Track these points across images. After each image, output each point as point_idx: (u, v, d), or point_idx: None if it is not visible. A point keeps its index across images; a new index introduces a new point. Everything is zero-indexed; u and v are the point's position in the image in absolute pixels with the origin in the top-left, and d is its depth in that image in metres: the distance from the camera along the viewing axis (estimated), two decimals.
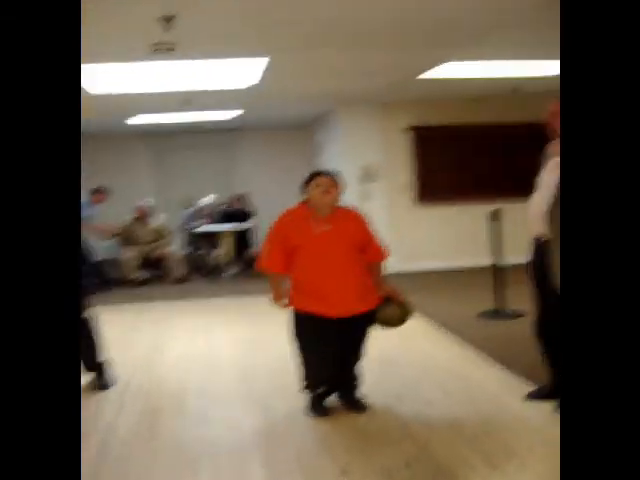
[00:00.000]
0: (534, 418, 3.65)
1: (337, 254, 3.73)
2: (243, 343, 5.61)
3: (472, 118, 8.77)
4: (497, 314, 6.12)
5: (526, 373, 4.33)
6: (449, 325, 5.80)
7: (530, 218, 3.76)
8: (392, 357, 4.86)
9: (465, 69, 6.37)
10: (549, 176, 3.58)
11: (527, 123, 8.80)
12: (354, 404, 3.92)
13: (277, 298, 3.83)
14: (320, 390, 3.91)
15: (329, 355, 3.82)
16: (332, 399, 3.95)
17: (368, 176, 8.74)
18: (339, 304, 3.73)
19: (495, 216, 6.02)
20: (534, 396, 3.94)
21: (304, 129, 10.96)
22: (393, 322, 3.84)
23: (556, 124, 3.54)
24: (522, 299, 6.44)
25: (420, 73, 6.53)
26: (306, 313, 3.75)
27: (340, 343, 3.80)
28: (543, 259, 3.55)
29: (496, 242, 6.12)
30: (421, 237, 8.90)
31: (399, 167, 8.80)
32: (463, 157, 8.80)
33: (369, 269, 3.84)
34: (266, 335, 5.71)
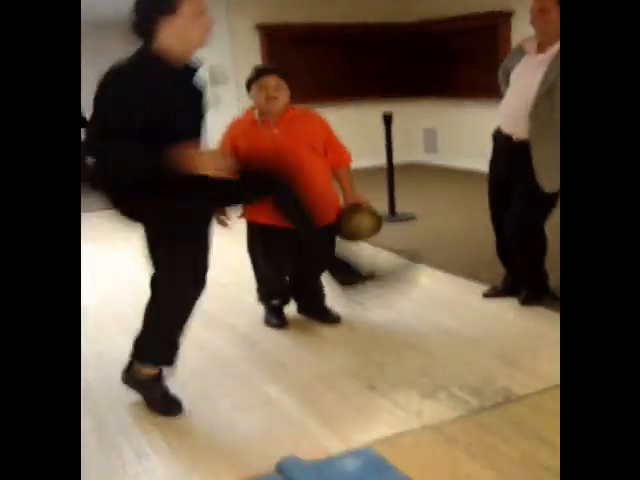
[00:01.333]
0: (505, 311, 3.82)
1: (303, 159, 3.40)
2: None
3: (328, 17, 8.53)
4: (392, 216, 6.15)
5: (456, 270, 4.46)
6: None
7: (506, 118, 3.71)
8: None
9: None
10: (528, 75, 3.54)
11: (388, 24, 8.82)
12: (324, 315, 3.79)
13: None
14: (275, 302, 3.77)
15: (283, 267, 3.64)
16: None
17: (215, 78, 8.22)
18: None
19: (387, 119, 5.96)
20: (491, 295, 4.03)
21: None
22: (365, 232, 3.54)
23: (539, 20, 3.49)
24: (412, 201, 6.65)
25: None
26: (259, 224, 3.50)
27: (298, 255, 3.57)
28: (519, 159, 3.54)
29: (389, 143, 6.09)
30: None
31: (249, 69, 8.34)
32: (317, 60, 8.57)
33: (335, 176, 3.59)
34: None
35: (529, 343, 3.40)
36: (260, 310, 3.84)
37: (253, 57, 8.38)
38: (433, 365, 3.17)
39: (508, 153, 3.66)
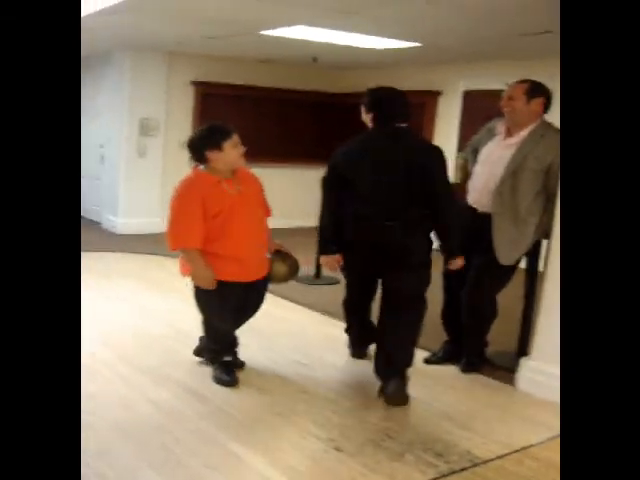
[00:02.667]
0: (447, 377, 3.96)
1: (251, 216, 3.59)
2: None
3: (260, 81, 8.70)
4: (317, 279, 6.23)
5: None
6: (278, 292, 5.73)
7: (474, 191, 3.92)
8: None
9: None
10: (497, 154, 3.79)
11: (317, 92, 9.07)
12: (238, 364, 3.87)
13: (207, 275, 3.49)
14: (228, 358, 3.79)
15: (238, 320, 3.70)
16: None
17: (146, 129, 8.19)
18: (256, 266, 3.64)
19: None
20: (432, 361, 4.16)
21: None
22: (285, 277, 3.78)
23: (508, 107, 3.76)
24: None
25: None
26: (219, 281, 3.52)
27: (245, 306, 3.72)
28: (480, 230, 3.75)
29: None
30: None
31: (181, 123, 8.37)
32: (247, 118, 8.68)
33: None
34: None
35: (476, 408, 3.52)
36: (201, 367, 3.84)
37: (185, 112, 8.43)
38: (393, 428, 3.23)
39: (471, 224, 3.84)
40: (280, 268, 3.74)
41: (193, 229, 3.40)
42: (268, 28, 5.97)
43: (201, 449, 2.94)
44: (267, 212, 3.75)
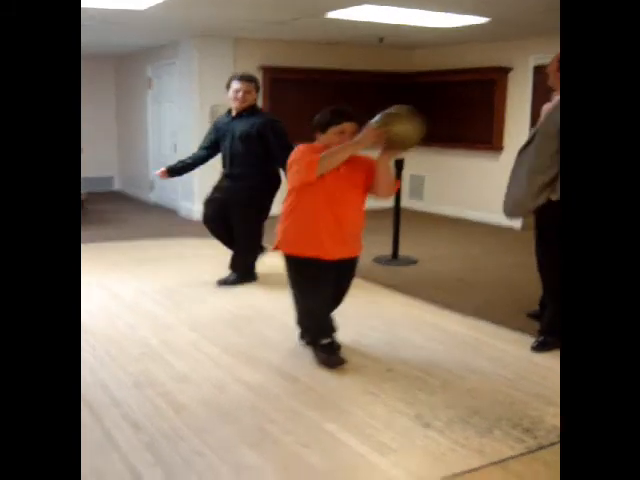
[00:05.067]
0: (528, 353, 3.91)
1: (349, 196, 3.61)
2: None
3: (327, 63, 8.75)
4: (394, 259, 6.28)
5: (469, 312, 4.64)
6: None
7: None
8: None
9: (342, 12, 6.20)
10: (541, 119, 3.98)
11: (385, 72, 9.05)
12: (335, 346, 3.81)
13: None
14: (326, 340, 3.77)
15: (330, 301, 3.76)
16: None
17: (217, 116, 8.32)
18: (344, 245, 3.64)
19: (398, 164, 6.12)
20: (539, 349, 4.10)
21: (127, 59, 10.18)
22: (411, 138, 3.50)
23: (555, 79, 3.83)
24: (413, 245, 6.79)
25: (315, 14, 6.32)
26: (302, 257, 3.59)
27: (337, 286, 3.75)
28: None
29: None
30: None
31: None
32: (316, 102, 8.74)
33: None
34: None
35: (555, 379, 3.53)
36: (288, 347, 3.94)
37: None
38: (479, 404, 3.28)
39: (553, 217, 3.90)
40: (405, 128, 3.45)
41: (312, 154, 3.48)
42: (333, 9, 6.01)
43: (295, 428, 3.04)
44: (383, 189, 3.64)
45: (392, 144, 3.47)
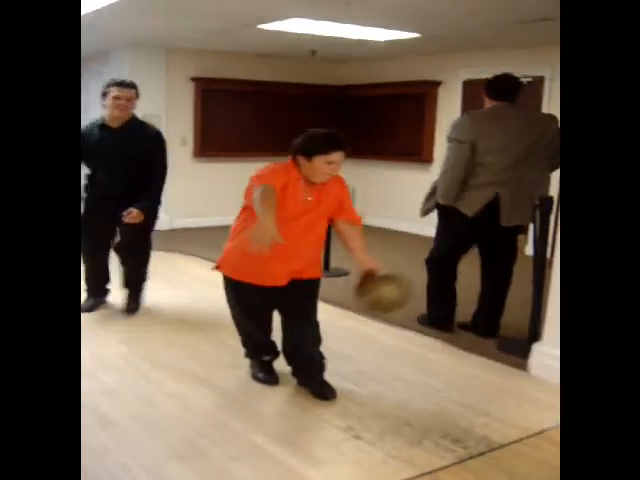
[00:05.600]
0: (455, 362, 3.94)
1: (311, 225, 3.30)
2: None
3: (259, 75, 8.73)
4: (325, 271, 6.27)
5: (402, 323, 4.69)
6: None
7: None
8: None
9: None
10: None
11: (318, 85, 9.07)
12: (321, 389, 3.51)
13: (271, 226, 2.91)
14: (266, 358, 3.70)
15: (264, 325, 3.61)
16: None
17: None
18: (293, 272, 3.35)
19: None
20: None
21: None
22: (392, 305, 3.26)
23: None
24: (344, 256, 6.77)
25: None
26: (236, 280, 3.39)
27: (293, 307, 3.48)
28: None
29: None
30: (200, 193, 8.71)
31: (181, 119, 8.44)
32: (247, 114, 8.73)
33: (345, 233, 3.42)
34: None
35: (491, 394, 3.59)
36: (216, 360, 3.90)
37: (186, 108, 8.49)
38: (409, 415, 3.29)
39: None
40: (391, 292, 3.22)
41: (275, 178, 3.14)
42: (266, 22, 6.01)
43: (224, 441, 3.00)
44: (347, 218, 3.41)
45: (376, 304, 3.27)
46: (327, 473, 2.75)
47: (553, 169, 4.21)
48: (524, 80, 7.02)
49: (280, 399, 3.47)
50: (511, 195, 4.10)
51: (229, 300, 3.53)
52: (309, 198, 3.26)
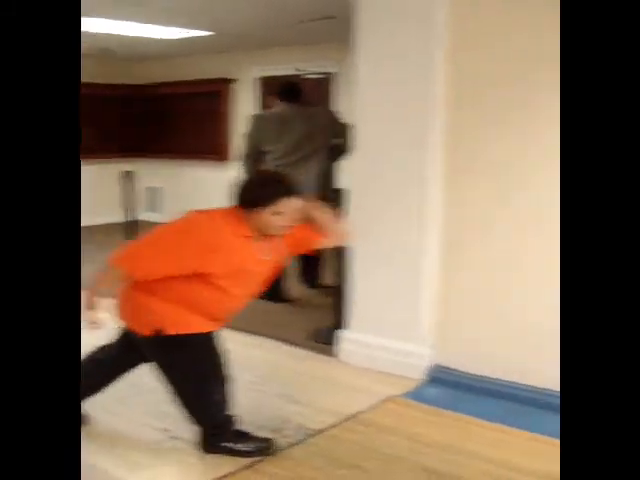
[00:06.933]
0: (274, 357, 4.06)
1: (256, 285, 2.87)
2: None
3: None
4: None
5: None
6: None
7: None
8: None
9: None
10: None
11: (117, 85, 8.76)
12: None
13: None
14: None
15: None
16: None
17: None
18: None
19: (127, 176, 6.03)
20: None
21: None
22: None
23: None
24: None
25: None
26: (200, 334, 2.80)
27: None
28: None
29: (128, 200, 6.13)
30: None
31: None
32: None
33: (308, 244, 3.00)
34: None
35: (303, 382, 3.73)
36: None
37: None
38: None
39: None
40: None
41: (159, 268, 2.65)
42: None
43: None
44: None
45: None
46: (152, 476, 2.74)
47: (334, 160, 4.99)
48: (314, 77, 7.31)
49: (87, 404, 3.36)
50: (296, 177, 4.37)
51: (183, 369, 2.82)
52: (267, 257, 2.76)
